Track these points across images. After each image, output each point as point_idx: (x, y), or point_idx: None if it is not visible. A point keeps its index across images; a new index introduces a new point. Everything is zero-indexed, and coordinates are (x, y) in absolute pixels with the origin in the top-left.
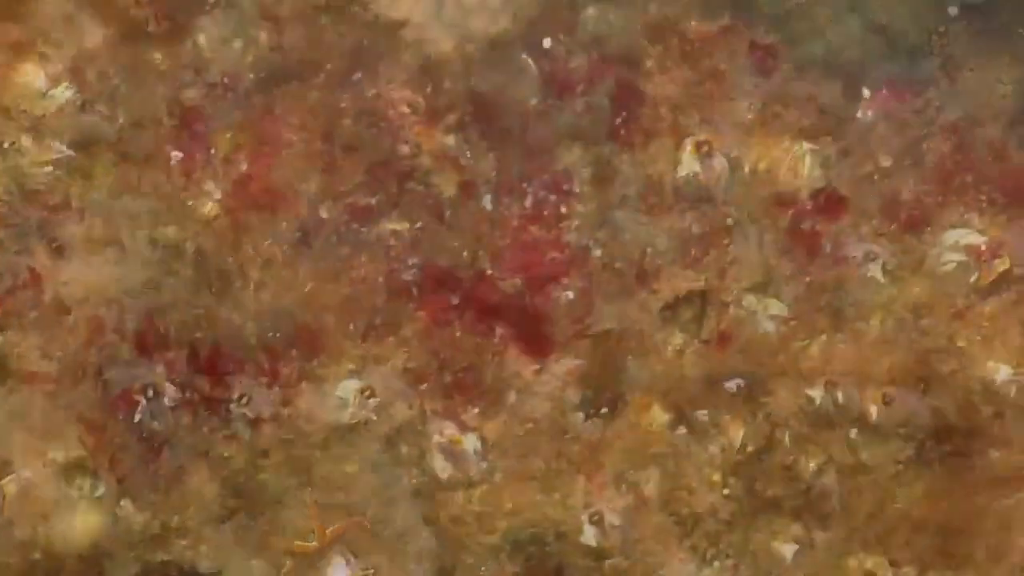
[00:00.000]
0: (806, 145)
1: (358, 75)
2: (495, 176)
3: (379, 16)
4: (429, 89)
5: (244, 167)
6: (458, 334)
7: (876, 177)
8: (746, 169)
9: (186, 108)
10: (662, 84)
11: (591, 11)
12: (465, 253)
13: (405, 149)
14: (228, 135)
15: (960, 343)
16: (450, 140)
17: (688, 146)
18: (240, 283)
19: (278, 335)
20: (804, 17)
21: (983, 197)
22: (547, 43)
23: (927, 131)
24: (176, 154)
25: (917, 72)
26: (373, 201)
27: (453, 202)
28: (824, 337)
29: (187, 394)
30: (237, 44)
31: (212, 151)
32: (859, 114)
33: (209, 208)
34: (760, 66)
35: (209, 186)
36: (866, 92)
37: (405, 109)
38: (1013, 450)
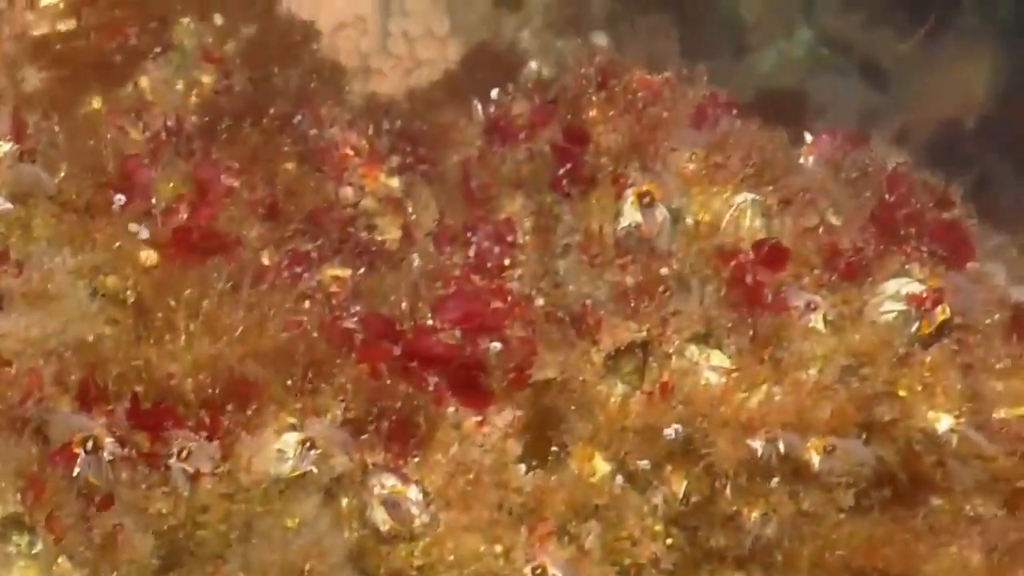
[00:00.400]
0: (748, 196)
1: (300, 118)
2: (436, 223)
3: (323, 56)
4: (372, 131)
5: (184, 215)
6: (399, 385)
7: (818, 227)
8: (688, 220)
9: (126, 156)
10: (605, 133)
11: (534, 64)
12: (406, 303)
13: (348, 192)
14: (169, 183)
15: (901, 392)
16: (394, 182)
17: (630, 196)
18: (180, 333)
19: (218, 387)
20: (749, 71)
21: (924, 247)
22: (494, 93)
23: (868, 179)
24: (117, 200)
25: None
26: (315, 247)
27: (395, 249)
28: (765, 387)
29: (126, 449)
30: (179, 86)
31: (153, 200)
32: (801, 160)
33: (148, 257)
34: (703, 116)
35: (149, 234)
36: (808, 137)
37: (349, 151)
38: (955, 498)
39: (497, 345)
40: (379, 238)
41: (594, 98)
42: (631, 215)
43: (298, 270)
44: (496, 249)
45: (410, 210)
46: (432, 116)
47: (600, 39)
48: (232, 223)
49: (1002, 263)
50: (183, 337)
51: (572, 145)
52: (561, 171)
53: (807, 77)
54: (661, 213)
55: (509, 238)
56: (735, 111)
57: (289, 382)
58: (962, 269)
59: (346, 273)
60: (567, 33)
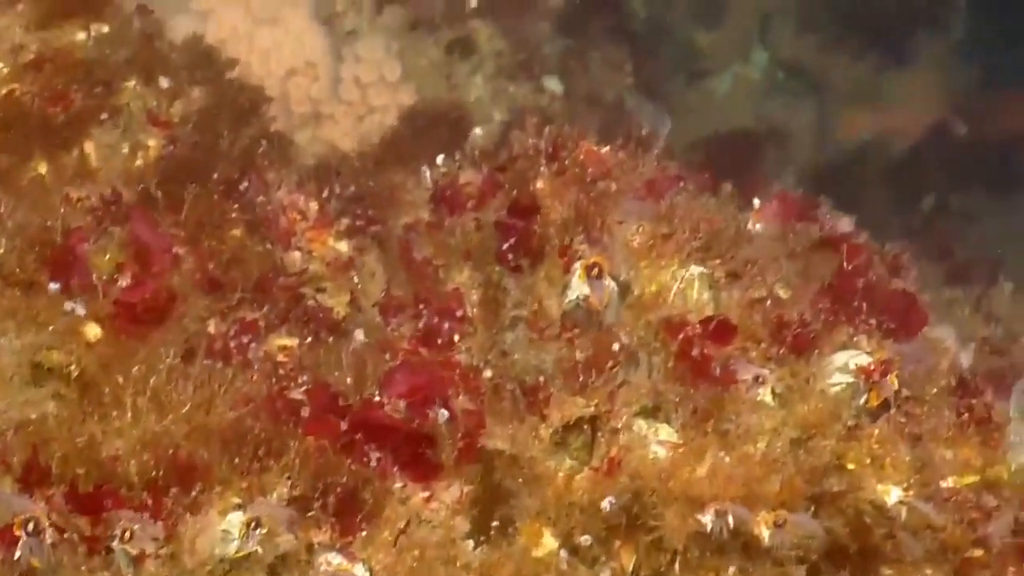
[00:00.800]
0: (696, 269)
1: (247, 183)
2: (383, 293)
3: (272, 119)
4: (321, 193)
5: (128, 285)
6: (346, 460)
7: (766, 300)
8: (636, 293)
9: (71, 229)
10: (552, 205)
11: (479, 130)
12: (351, 378)
13: (296, 256)
14: (109, 255)
15: (850, 465)
16: (343, 246)
17: (577, 269)
18: (125, 410)
19: (162, 469)
20: (705, 95)
21: (872, 319)
22: (440, 160)
23: (816, 249)
24: (56, 281)
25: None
26: (262, 316)
27: (343, 317)
28: (714, 461)
29: (67, 533)
30: (125, 150)
31: (94, 274)
32: (750, 225)
33: (92, 331)
34: (651, 188)
35: (89, 309)
36: (756, 202)
37: (297, 215)
38: (905, 569)
39: (445, 412)
40: (328, 303)
41: (543, 169)
42: (578, 288)
43: (245, 340)
44: (444, 323)
45: (356, 280)
46: (382, 176)
47: (553, 83)
48: (177, 292)
49: (953, 326)
50: (129, 414)
51: (518, 219)
52: (506, 245)
53: (762, 101)
54: (609, 285)
55: (457, 311)
56: (683, 182)
57: (236, 460)
58: (914, 337)
59: (293, 342)
60: (519, 78)
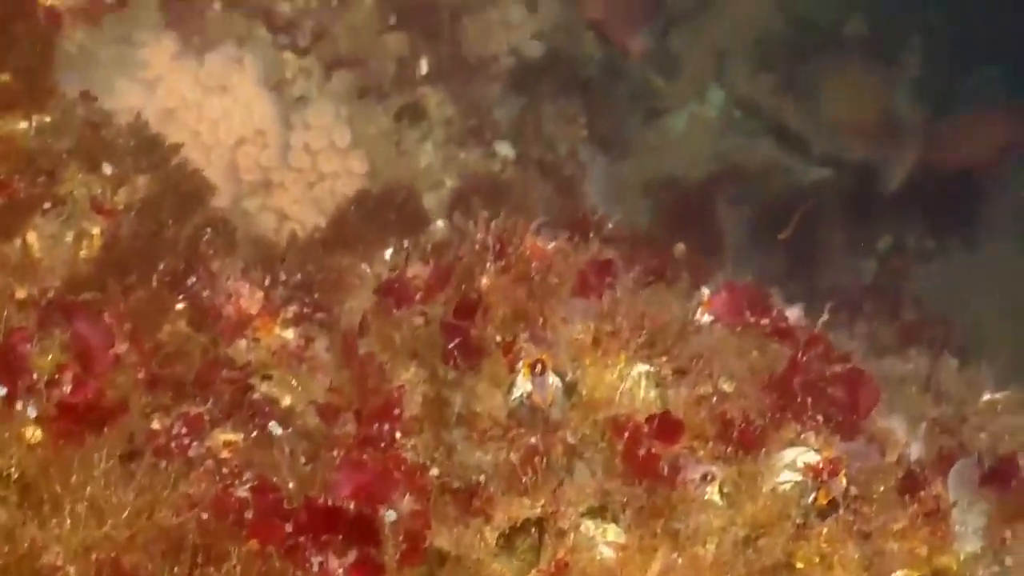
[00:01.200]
0: (642, 367)
1: (191, 275)
2: (328, 391)
3: (218, 207)
4: (267, 281)
5: (68, 386)
6: (289, 566)
7: (712, 396)
8: (581, 391)
9: (12, 330)
10: (497, 301)
11: (440, 222)
12: (294, 479)
13: (242, 346)
14: (50, 355)
15: (799, 564)
16: (289, 334)
17: (522, 367)
18: (63, 516)
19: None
20: (661, 134)
21: (819, 415)
22: (387, 254)
23: (763, 345)
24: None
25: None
26: (206, 411)
27: (288, 410)
28: (664, 562)
29: None
30: (68, 239)
31: (35, 375)
32: (697, 316)
33: (32, 433)
34: (596, 284)
35: (32, 410)
36: (705, 292)
37: (242, 303)
38: None
39: (392, 514)
40: (274, 392)
41: (490, 266)
42: (523, 386)
43: (188, 436)
44: (387, 422)
45: (294, 383)
46: (330, 259)
47: (504, 148)
48: (119, 391)
49: (902, 408)
50: (68, 520)
51: (461, 319)
52: (451, 345)
53: (720, 140)
54: (553, 383)
55: (401, 409)
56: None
57: (176, 569)
58: (864, 419)
59: (238, 437)
60: (470, 144)
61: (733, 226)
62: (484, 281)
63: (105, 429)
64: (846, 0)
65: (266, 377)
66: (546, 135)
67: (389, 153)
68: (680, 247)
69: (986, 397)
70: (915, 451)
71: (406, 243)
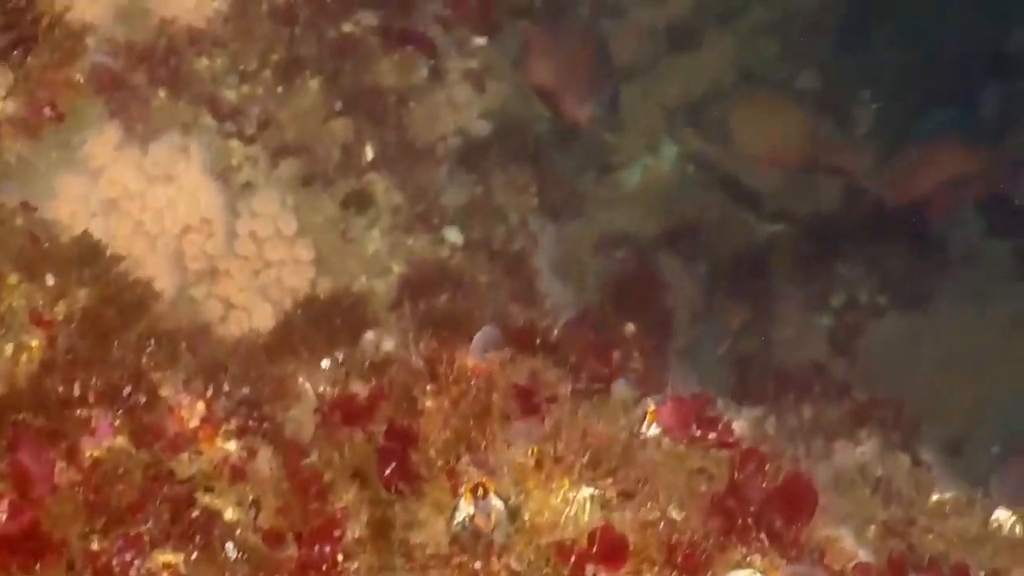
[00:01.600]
0: (586, 491)
1: (130, 389)
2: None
3: (161, 316)
4: (209, 392)
5: (3, 518)
6: None
7: (659, 521)
8: (524, 516)
9: None
10: (438, 424)
11: (371, 333)
12: None
13: (184, 458)
14: None
15: None
16: (231, 446)
17: (464, 491)
18: None
19: None
20: (614, 187)
21: (763, 534)
22: (325, 363)
23: (709, 458)
24: None
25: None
26: (146, 530)
27: (229, 528)
28: None
29: None
30: (8, 352)
31: None
32: (643, 428)
33: None
34: (538, 403)
35: None
36: (651, 403)
37: (183, 415)
38: None
39: None
40: (216, 504)
41: (428, 388)
42: (465, 509)
43: (128, 557)
44: (328, 545)
45: (236, 508)
46: (273, 367)
47: (452, 234)
48: (56, 519)
49: (851, 509)
50: None
51: (396, 444)
52: (388, 471)
53: (674, 195)
54: (496, 506)
55: (342, 530)
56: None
57: None
58: (807, 524)
59: (178, 559)
60: (417, 230)
61: (687, 284)
62: (424, 402)
63: (42, 560)
64: (799, 54)
65: (208, 489)
66: (496, 206)
67: (336, 241)
68: (630, 327)
69: (935, 497)
70: (864, 556)
71: (340, 358)
